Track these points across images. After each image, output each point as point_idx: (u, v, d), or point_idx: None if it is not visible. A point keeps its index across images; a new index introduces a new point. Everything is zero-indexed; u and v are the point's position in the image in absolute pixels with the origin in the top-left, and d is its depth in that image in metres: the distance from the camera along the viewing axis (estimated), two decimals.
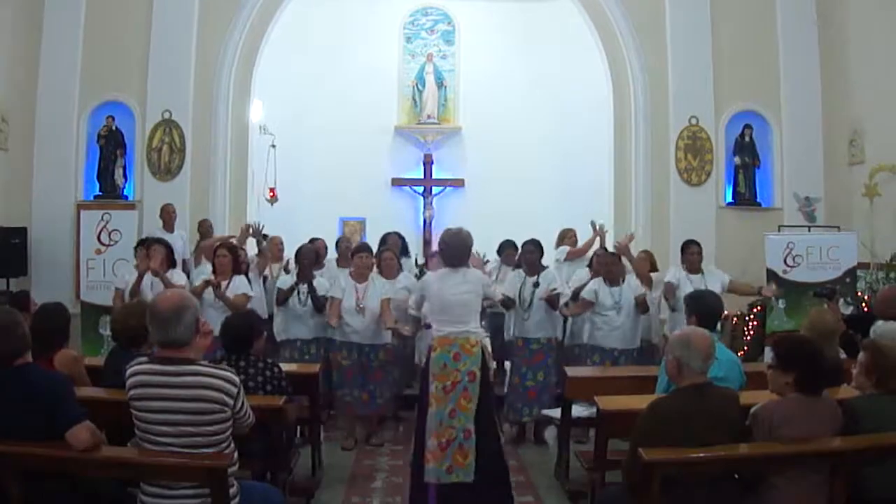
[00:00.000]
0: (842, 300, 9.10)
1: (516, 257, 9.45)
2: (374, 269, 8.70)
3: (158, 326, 4.26)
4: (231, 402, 4.25)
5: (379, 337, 8.39)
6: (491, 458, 6.25)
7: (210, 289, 8.19)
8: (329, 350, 8.58)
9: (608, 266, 8.67)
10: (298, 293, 8.61)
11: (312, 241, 9.62)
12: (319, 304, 8.53)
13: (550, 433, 8.78)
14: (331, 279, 8.88)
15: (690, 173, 12.63)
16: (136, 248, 9.22)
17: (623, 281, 8.62)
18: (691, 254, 9.10)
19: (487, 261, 8.76)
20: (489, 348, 6.73)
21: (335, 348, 8.46)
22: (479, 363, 6.21)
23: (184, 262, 10.36)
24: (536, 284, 8.53)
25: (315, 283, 8.64)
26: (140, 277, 8.42)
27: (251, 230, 9.43)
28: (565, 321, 9.01)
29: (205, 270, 8.79)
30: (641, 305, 8.58)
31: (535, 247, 8.75)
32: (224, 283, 8.31)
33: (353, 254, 8.74)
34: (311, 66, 14.46)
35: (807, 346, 4.72)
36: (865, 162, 11.49)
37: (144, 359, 4.38)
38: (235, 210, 12.91)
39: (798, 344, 4.83)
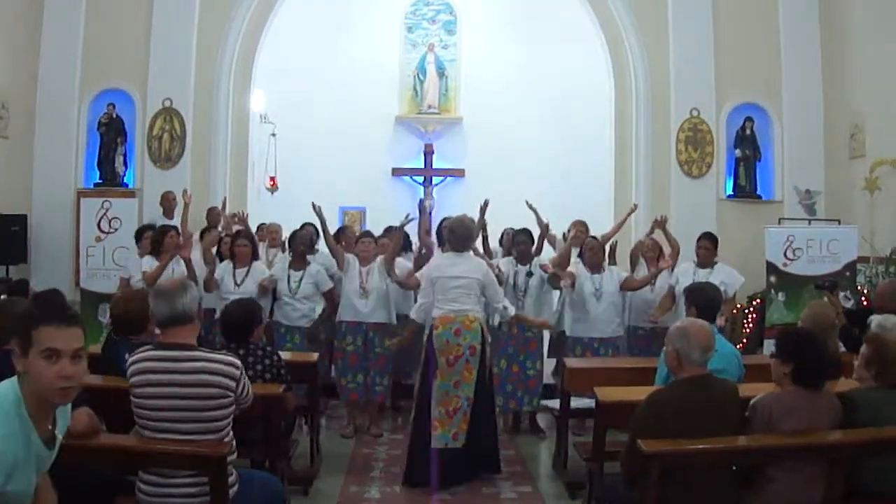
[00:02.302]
0: (842, 294, 9.07)
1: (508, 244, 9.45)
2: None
3: (165, 300, 4.31)
4: (234, 385, 4.29)
5: (383, 318, 8.44)
6: (486, 424, 6.88)
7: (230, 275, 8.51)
8: (335, 338, 8.60)
9: (592, 251, 8.66)
10: (289, 280, 8.62)
11: (304, 226, 9.61)
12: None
13: (544, 421, 8.78)
14: (324, 264, 8.93)
15: (691, 165, 12.64)
16: (137, 236, 9.27)
17: (604, 269, 8.63)
18: (699, 248, 8.82)
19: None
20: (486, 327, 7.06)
21: (340, 335, 8.48)
22: (479, 338, 6.77)
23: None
24: (530, 274, 8.51)
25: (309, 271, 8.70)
26: (166, 262, 8.46)
27: (236, 218, 9.76)
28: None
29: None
30: (626, 285, 8.63)
31: (527, 237, 8.74)
32: (244, 270, 8.49)
33: (357, 240, 8.80)
34: (312, 55, 14.43)
35: (807, 339, 4.73)
36: (866, 155, 11.47)
37: (149, 346, 4.40)
38: (236, 198, 12.89)
39: (799, 336, 4.84)
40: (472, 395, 6.73)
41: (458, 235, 7.01)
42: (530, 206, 9.29)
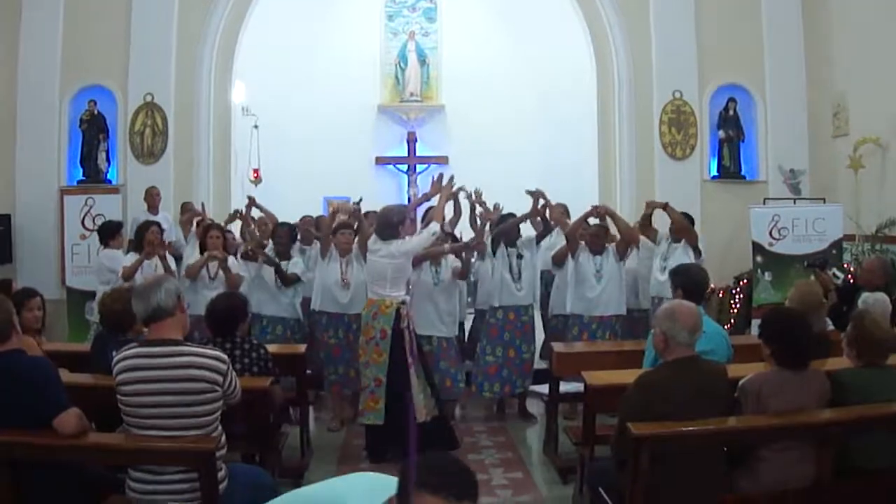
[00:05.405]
0: (831, 271, 9.07)
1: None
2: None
3: (140, 298, 4.29)
4: (221, 379, 4.26)
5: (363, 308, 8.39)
6: (401, 406, 7.06)
7: (204, 269, 8.43)
8: (315, 331, 8.59)
9: (594, 237, 8.66)
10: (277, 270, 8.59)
11: (302, 220, 9.68)
12: (285, 278, 8.50)
13: (535, 406, 8.78)
14: (314, 259, 8.90)
15: (675, 147, 12.63)
16: (106, 233, 9.21)
17: (605, 249, 8.61)
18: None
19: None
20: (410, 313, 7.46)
21: (322, 327, 8.48)
22: (392, 323, 7.18)
23: (169, 244, 10.27)
24: (520, 256, 8.57)
25: (291, 262, 8.64)
26: (143, 259, 8.39)
27: (239, 215, 9.80)
28: (547, 294, 9.13)
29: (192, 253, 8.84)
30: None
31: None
32: (216, 264, 8.43)
33: (335, 232, 8.71)
34: (292, 46, 14.37)
35: (787, 320, 4.74)
36: (850, 134, 11.47)
37: (133, 344, 4.37)
38: (219, 192, 12.87)
39: (778, 316, 4.86)
40: (383, 377, 7.14)
41: (380, 223, 7.44)
42: (535, 194, 9.02)
